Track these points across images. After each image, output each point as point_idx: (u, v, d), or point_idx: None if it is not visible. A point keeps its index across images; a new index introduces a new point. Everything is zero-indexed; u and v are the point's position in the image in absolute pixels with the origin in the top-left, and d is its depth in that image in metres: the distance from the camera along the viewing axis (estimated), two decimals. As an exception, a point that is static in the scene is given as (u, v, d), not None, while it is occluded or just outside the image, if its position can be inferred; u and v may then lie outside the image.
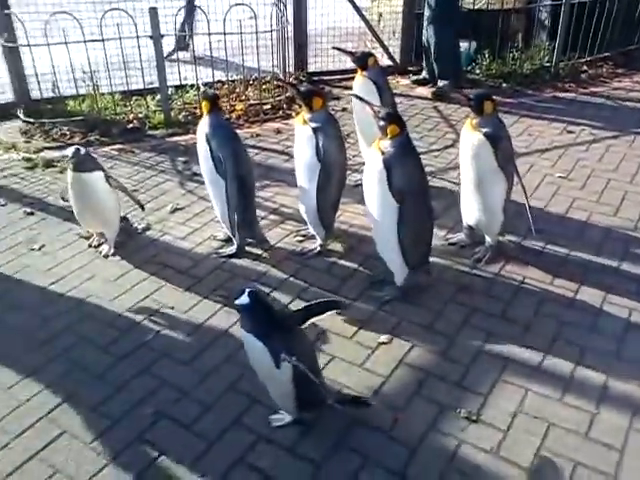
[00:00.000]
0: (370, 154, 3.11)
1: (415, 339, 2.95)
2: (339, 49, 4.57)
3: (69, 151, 3.45)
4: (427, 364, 2.81)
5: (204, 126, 3.45)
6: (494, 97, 3.39)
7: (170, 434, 2.47)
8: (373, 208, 3.13)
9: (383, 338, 2.95)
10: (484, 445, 2.40)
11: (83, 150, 3.47)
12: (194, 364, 2.82)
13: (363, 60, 4.16)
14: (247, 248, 3.64)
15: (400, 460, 2.35)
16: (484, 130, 3.25)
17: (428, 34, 6.09)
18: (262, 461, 2.36)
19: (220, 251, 3.64)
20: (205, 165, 3.49)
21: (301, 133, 3.43)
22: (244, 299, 2.26)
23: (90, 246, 3.71)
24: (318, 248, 3.61)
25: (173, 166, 4.78)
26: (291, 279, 3.40)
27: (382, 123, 3.04)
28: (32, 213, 4.08)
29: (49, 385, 2.71)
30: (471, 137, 3.31)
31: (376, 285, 3.30)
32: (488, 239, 3.54)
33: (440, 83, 6.16)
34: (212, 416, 2.55)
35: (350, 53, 4.32)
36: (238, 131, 3.83)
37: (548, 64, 6.71)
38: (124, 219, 3.82)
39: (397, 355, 2.86)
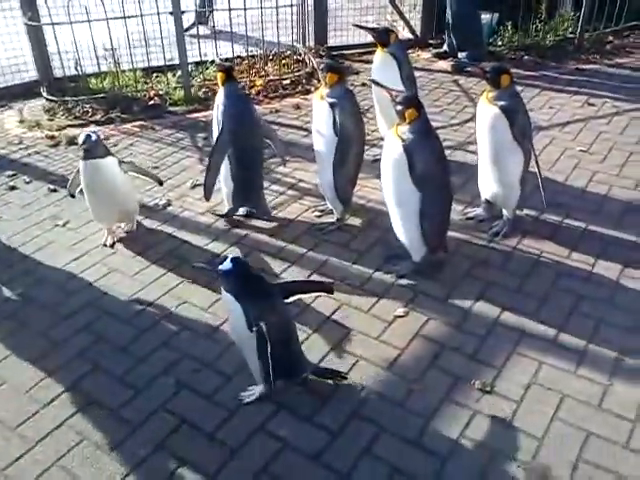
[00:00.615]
0: (388, 140, 3.09)
1: (431, 312, 2.99)
2: (360, 26, 4.57)
3: (80, 137, 3.33)
4: (442, 337, 2.85)
5: (219, 97, 3.52)
6: (513, 70, 3.36)
7: (191, 403, 2.55)
8: (392, 195, 3.13)
9: (399, 311, 3.00)
10: (498, 415, 2.45)
11: (94, 136, 3.33)
12: (214, 336, 2.89)
13: (384, 36, 4.13)
14: (264, 224, 3.70)
15: (415, 430, 2.40)
16: (500, 103, 3.24)
17: (448, 6, 6.03)
18: (282, 430, 2.42)
19: (216, 209, 3.80)
20: (214, 132, 3.56)
21: (318, 108, 3.44)
22: (227, 264, 2.36)
23: (105, 245, 3.56)
24: (336, 223, 3.65)
25: (193, 142, 4.82)
26: (309, 253, 3.44)
27: (399, 107, 3.00)
28: (56, 190, 4.16)
29: (74, 357, 2.80)
30: (487, 110, 3.30)
31: (392, 259, 3.32)
32: (505, 213, 3.54)
33: (460, 55, 6.11)
34: (232, 386, 2.62)
35: (371, 29, 4.28)
36: (257, 107, 3.85)
37: (572, 35, 6.60)
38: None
39: (413, 328, 2.90)
